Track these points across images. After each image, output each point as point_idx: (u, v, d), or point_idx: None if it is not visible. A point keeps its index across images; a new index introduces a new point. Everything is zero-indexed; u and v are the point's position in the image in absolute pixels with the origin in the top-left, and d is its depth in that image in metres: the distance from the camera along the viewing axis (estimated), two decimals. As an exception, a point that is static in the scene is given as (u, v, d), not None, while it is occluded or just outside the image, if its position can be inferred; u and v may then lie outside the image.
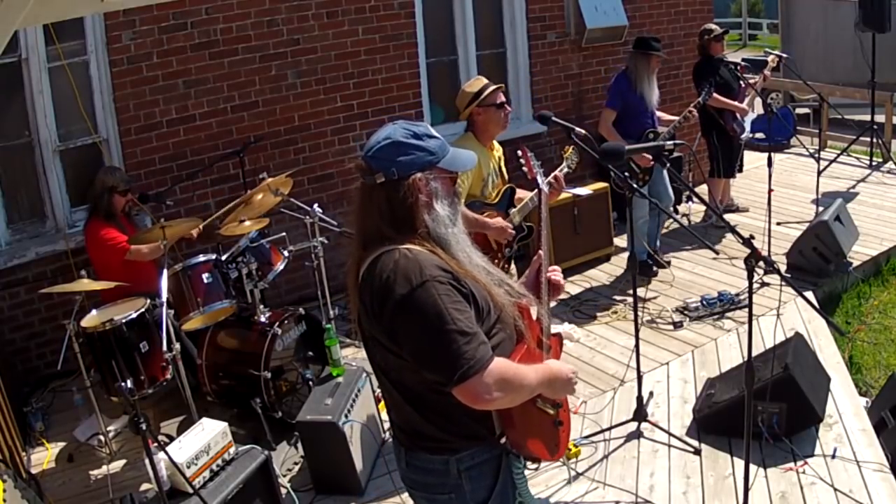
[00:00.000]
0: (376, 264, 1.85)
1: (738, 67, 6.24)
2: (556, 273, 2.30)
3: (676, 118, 5.53)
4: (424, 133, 1.94)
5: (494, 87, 3.93)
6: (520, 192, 4.00)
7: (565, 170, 3.69)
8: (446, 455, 1.96)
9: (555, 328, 5.17)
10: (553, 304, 2.33)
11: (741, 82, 6.22)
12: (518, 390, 1.88)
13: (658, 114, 5.64)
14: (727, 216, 6.69)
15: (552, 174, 3.52)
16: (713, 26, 6.33)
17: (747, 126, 6.48)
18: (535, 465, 3.57)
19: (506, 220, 3.86)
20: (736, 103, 6.20)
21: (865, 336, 4.95)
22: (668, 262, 5.84)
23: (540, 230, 2.50)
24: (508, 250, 3.90)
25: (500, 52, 6.48)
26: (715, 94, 6.04)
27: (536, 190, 3.37)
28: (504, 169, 4.12)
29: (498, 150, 4.13)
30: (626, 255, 5.96)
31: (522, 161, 3.25)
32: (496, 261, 3.81)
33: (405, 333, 1.83)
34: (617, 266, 6.00)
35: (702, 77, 6.06)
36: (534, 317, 2.16)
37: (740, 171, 6.80)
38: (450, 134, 4.10)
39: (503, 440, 1.98)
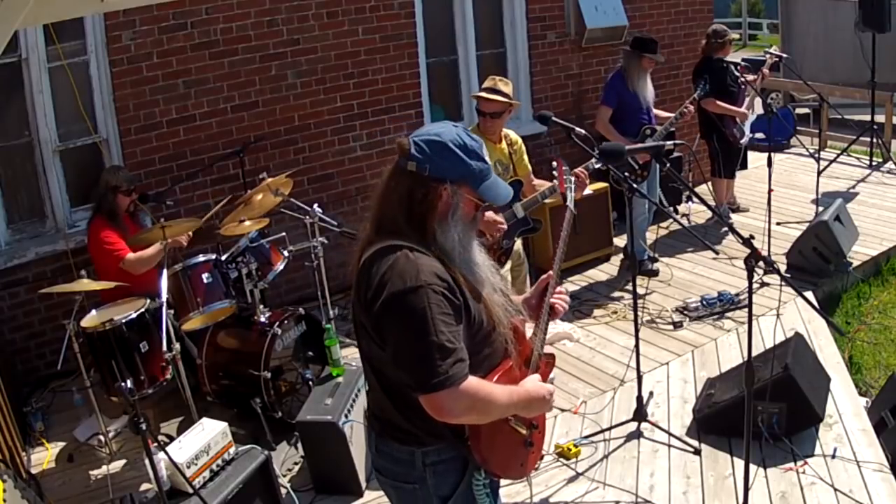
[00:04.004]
0: (378, 257, 1.88)
1: (738, 67, 6.23)
2: (560, 297, 2.28)
3: (672, 115, 5.55)
4: (474, 150, 1.93)
5: (490, 95, 3.96)
6: (538, 184, 4.04)
7: (596, 165, 3.69)
8: (413, 447, 2.00)
9: (555, 328, 5.19)
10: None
11: (740, 83, 6.22)
12: (485, 412, 1.90)
13: (655, 111, 5.67)
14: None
15: (575, 170, 3.56)
16: (725, 29, 6.31)
17: (747, 130, 6.47)
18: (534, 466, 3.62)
19: (507, 213, 3.91)
20: (736, 108, 6.19)
21: (865, 336, 4.95)
22: (656, 259, 5.86)
23: (557, 237, 2.49)
24: (506, 242, 3.92)
25: (500, 52, 6.48)
26: (716, 101, 6.06)
27: (581, 169, 3.51)
28: (523, 160, 4.14)
29: (516, 143, 4.17)
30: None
31: (556, 174, 3.26)
32: (490, 251, 3.85)
33: (389, 330, 1.86)
34: (616, 266, 6.00)
35: (700, 76, 6.07)
36: (527, 336, 2.18)
37: (744, 167, 6.79)
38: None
39: (469, 447, 1.99)
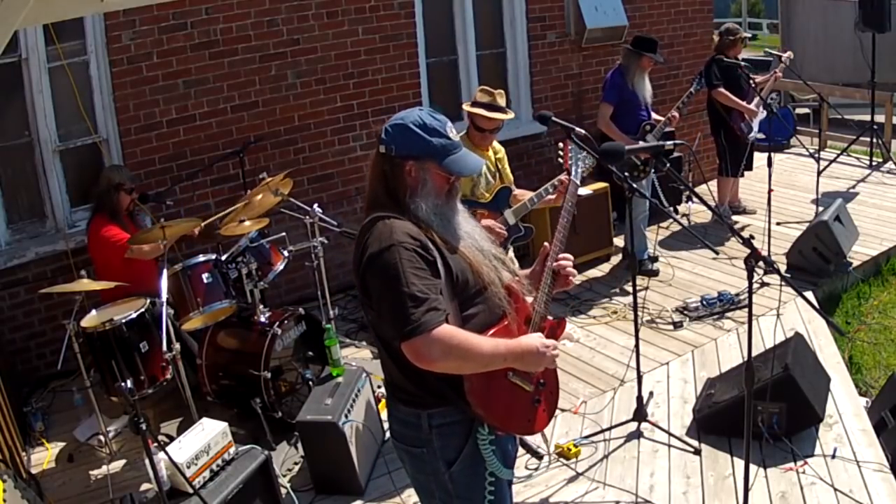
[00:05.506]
0: (365, 229, 2.09)
1: (739, 68, 6.22)
2: (565, 262, 2.31)
3: (664, 118, 5.54)
4: (435, 128, 2.08)
5: (493, 114, 3.91)
6: (519, 193, 4.01)
7: (580, 171, 3.66)
8: (418, 409, 2.11)
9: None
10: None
11: (751, 83, 6.20)
12: (465, 358, 1.98)
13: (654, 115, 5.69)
14: (734, 217, 6.69)
15: (557, 177, 3.55)
16: (737, 28, 6.29)
17: (755, 127, 6.45)
18: (534, 466, 3.63)
19: (499, 219, 3.88)
20: (745, 104, 6.18)
21: (865, 336, 4.95)
22: (657, 259, 5.85)
23: (560, 219, 2.44)
24: (502, 248, 3.90)
25: (500, 52, 6.48)
26: (726, 93, 6.07)
27: (565, 175, 3.52)
28: (506, 170, 4.14)
29: (500, 152, 4.16)
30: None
31: (561, 152, 3.27)
32: None
33: (372, 288, 2.04)
34: (616, 266, 6.00)
35: (709, 73, 6.07)
36: (527, 301, 2.26)
37: (749, 169, 6.76)
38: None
39: (471, 405, 2.07)
